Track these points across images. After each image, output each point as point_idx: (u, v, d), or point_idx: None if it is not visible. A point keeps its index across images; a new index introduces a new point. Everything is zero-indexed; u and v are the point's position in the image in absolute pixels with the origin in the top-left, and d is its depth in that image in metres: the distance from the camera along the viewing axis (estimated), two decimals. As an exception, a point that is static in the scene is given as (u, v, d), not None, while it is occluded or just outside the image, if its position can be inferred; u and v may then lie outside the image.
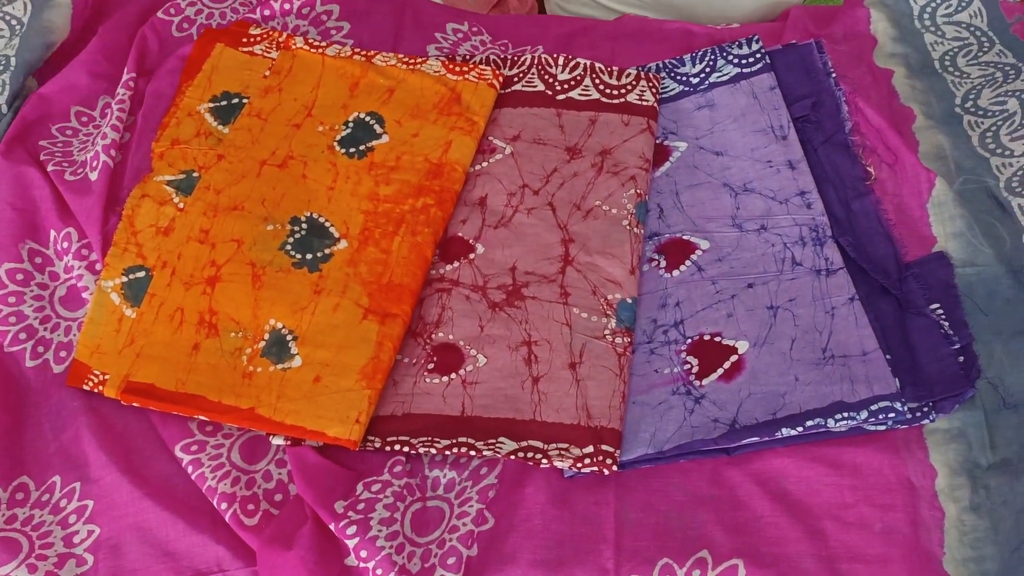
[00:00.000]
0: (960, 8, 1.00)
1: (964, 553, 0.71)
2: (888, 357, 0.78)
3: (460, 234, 0.89)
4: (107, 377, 0.83)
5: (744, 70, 0.96)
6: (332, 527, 0.75)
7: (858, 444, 0.77)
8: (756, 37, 0.98)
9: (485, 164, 0.93)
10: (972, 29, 1.00)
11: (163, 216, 0.90)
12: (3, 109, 0.99)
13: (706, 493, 0.76)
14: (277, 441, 0.80)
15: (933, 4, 1.01)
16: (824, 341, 0.80)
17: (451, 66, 0.99)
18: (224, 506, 0.77)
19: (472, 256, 0.88)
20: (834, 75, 0.95)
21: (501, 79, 0.97)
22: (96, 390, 0.83)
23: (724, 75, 0.97)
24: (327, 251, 0.88)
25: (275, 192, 0.91)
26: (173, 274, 0.86)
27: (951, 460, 0.75)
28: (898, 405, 0.75)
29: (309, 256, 0.88)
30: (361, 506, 0.75)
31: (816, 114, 0.93)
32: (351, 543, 0.74)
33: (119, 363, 0.83)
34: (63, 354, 0.87)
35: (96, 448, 0.81)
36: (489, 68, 0.98)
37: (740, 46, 0.98)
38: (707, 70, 0.98)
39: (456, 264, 0.87)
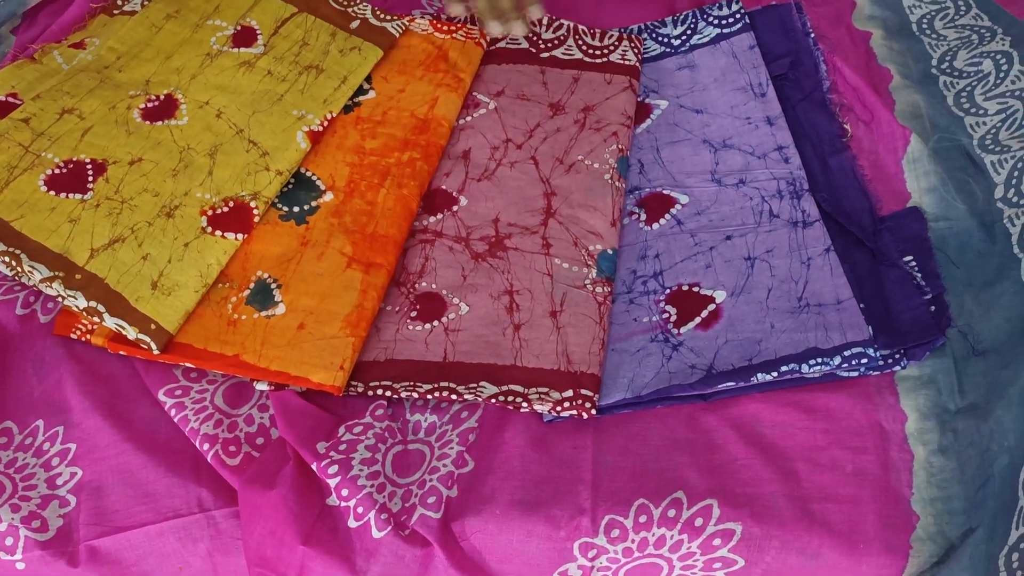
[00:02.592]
0: (938, -27, 1.02)
1: (932, 493, 0.73)
2: (862, 306, 0.80)
3: (444, 187, 0.90)
4: (94, 327, 0.84)
5: (724, 31, 0.97)
6: (314, 467, 0.76)
7: (831, 390, 0.78)
8: (737, -1, 0.99)
9: (469, 119, 0.94)
10: (950, -7, 1.01)
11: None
12: None
13: (682, 437, 0.78)
14: (261, 387, 0.81)
15: (911, -32, 1.02)
16: (800, 290, 0.82)
17: (438, 25, 1.00)
18: (206, 447, 0.78)
19: (455, 208, 0.89)
20: (812, 35, 0.97)
21: (488, 37, 0.98)
22: (83, 339, 0.84)
23: (705, 36, 0.98)
24: (313, 203, 0.89)
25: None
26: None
27: (921, 405, 0.77)
28: (871, 351, 0.77)
29: (296, 209, 0.89)
30: (343, 447, 0.77)
31: (794, 72, 0.94)
32: (332, 482, 0.75)
33: None
34: (50, 305, 0.87)
35: (79, 393, 0.82)
36: (476, 27, 0.99)
37: (720, 7, 0.99)
38: (688, 32, 0.99)
39: (440, 216, 0.89)
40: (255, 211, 0.87)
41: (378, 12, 1.03)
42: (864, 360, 0.77)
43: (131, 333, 0.81)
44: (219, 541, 0.77)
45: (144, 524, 0.77)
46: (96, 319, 0.82)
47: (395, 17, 1.02)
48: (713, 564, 0.73)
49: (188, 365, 0.82)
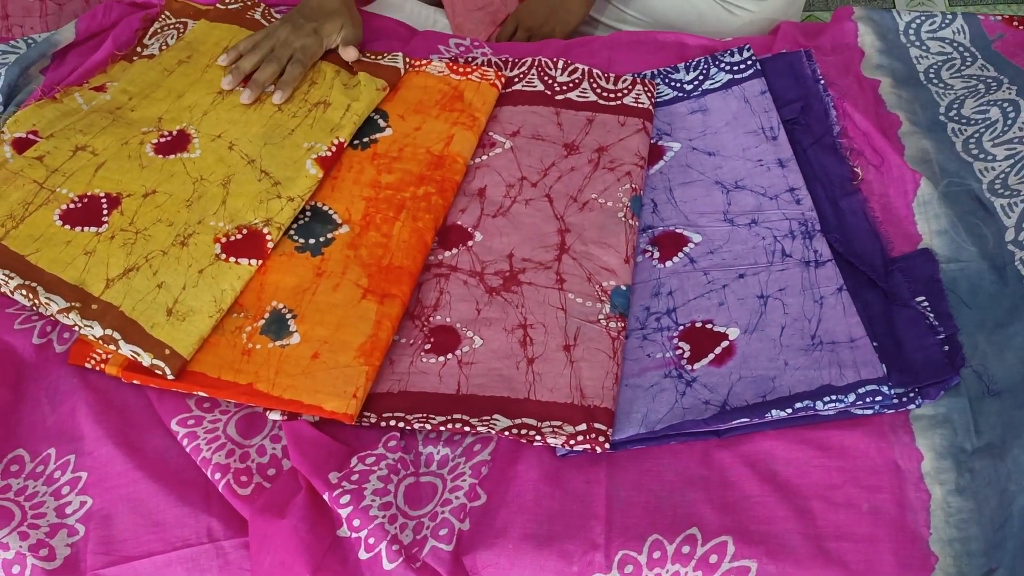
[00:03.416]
0: (944, 25, 1.04)
1: (950, 533, 0.72)
2: (875, 344, 0.80)
3: (459, 222, 0.91)
4: (109, 356, 0.84)
5: (736, 76, 1.00)
6: (326, 496, 0.75)
7: (846, 428, 0.78)
8: (747, 46, 1.02)
9: (485, 157, 0.96)
10: (955, 45, 1.04)
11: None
12: None
13: (696, 473, 0.77)
14: (274, 416, 0.81)
15: (918, 20, 1.05)
16: (813, 328, 0.82)
17: (454, 67, 1.03)
18: (217, 476, 0.77)
19: (470, 243, 0.90)
20: (822, 82, 0.99)
21: (503, 79, 1.01)
22: (97, 368, 0.84)
23: (717, 82, 1.01)
24: (329, 235, 0.90)
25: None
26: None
27: (937, 444, 0.77)
28: (885, 389, 0.77)
29: (312, 241, 0.90)
30: (355, 477, 0.76)
31: (805, 117, 0.96)
32: (344, 512, 0.74)
33: None
34: (66, 335, 0.88)
35: (92, 422, 0.82)
36: (491, 69, 1.02)
37: (732, 54, 1.02)
38: (700, 77, 1.01)
39: (455, 251, 0.90)
40: (268, 237, 0.88)
41: (370, 53, 1.06)
42: (878, 398, 0.77)
43: (146, 359, 0.81)
44: (228, 572, 0.76)
45: (152, 554, 0.76)
46: (112, 347, 0.82)
47: (387, 53, 1.05)
48: (728, 603, 0.72)
49: (201, 394, 0.82)
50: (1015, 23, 1.04)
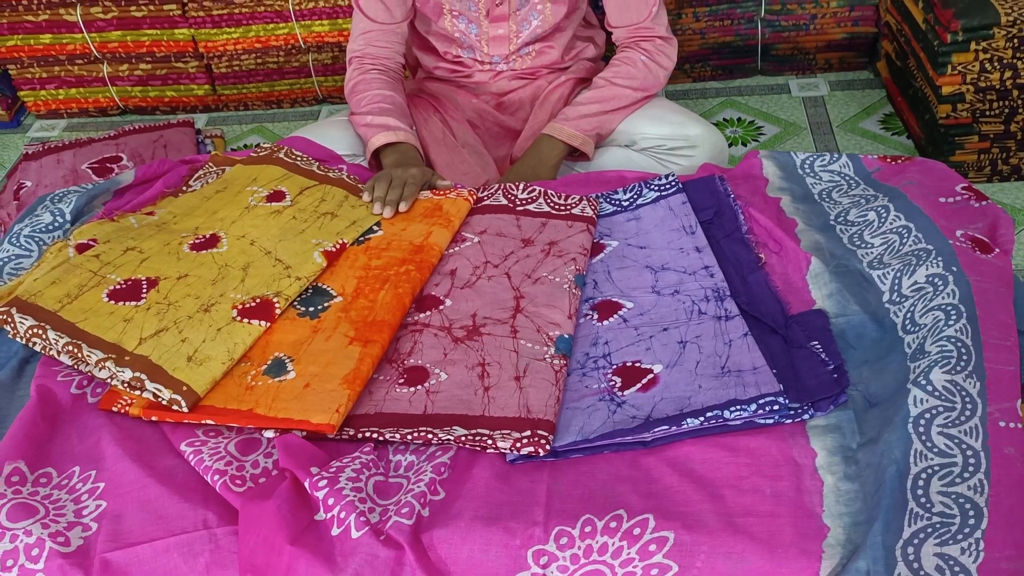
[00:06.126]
0: (832, 162, 1.29)
1: (840, 510, 0.84)
2: (774, 371, 0.96)
3: (433, 293, 1.11)
4: (133, 401, 1.00)
5: (663, 193, 1.23)
6: (306, 484, 0.88)
7: (752, 435, 0.92)
8: (672, 173, 1.26)
9: (457, 249, 1.17)
10: (842, 175, 1.28)
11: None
12: (67, 216, 1.29)
13: (626, 474, 0.90)
14: (268, 434, 0.96)
15: (811, 159, 1.30)
16: (723, 362, 0.98)
17: (435, 192, 1.27)
18: (216, 478, 0.91)
19: (441, 307, 1.09)
20: (732, 196, 1.22)
21: (475, 196, 1.25)
22: (123, 411, 1.00)
23: (648, 199, 1.24)
24: (326, 304, 1.09)
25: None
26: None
27: (828, 445, 0.90)
28: (781, 400, 0.92)
29: (312, 308, 1.09)
30: (332, 469, 0.90)
31: (718, 219, 1.18)
32: (320, 495, 0.87)
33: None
34: (99, 390, 1.05)
35: (113, 446, 0.97)
36: (464, 188, 1.26)
37: (660, 179, 1.26)
38: (635, 196, 1.25)
39: (428, 313, 1.08)
40: (277, 305, 1.07)
41: None
42: (776, 407, 0.91)
43: (165, 395, 0.97)
44: (218, 555, 0.88)
45: (152, 539, 0.88)
46: (137, 389, 0.99)
47: None
48: (651, 571, 0.82)
49: (209, 423, 0.98)
50: (889, 160, 1.28)
